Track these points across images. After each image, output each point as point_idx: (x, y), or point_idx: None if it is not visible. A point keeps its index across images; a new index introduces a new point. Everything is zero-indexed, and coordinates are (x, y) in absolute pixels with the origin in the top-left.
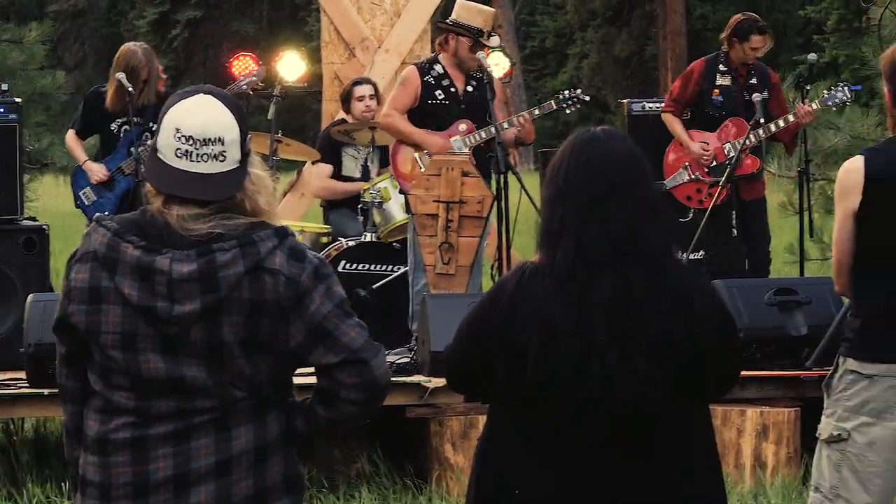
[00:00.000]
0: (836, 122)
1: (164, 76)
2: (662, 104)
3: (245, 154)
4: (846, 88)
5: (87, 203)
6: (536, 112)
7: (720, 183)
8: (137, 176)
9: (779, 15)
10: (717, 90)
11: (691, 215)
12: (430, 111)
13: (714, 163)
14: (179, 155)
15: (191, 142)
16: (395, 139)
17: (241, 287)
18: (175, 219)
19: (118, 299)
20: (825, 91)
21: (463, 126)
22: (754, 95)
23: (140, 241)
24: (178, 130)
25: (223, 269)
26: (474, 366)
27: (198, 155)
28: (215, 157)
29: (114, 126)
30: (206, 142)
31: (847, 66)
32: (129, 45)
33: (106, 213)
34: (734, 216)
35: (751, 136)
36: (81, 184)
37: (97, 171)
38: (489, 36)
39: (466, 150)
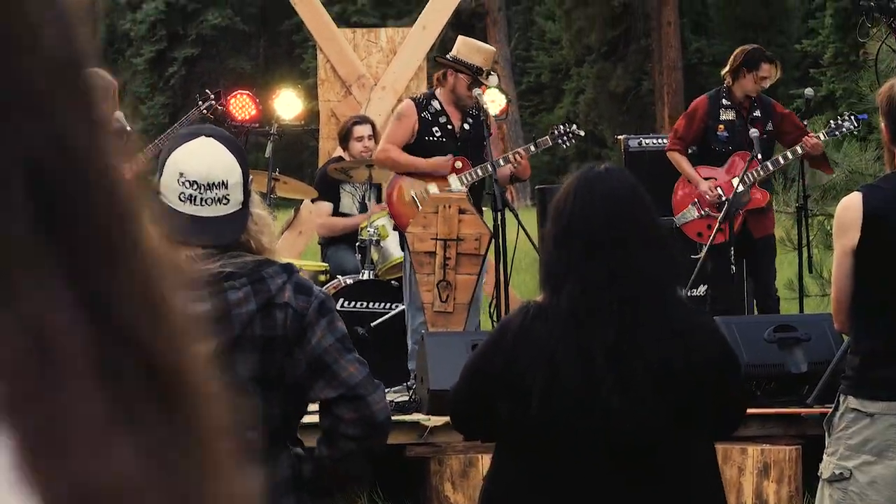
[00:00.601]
0: (834, 157)
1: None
2: (661, 140)
3: (247, 194)
4: (852, 118)
5: None
6: (532, 149)
7: (720, 220)
8: None
9: (775, 49)
10: (721, 126)
11: (703, 252)
12: (426, 148)
13: (723, 198)
14: (183, 199)
15: (195, 186)
16: (395, 172)
17: (253, 324)
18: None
19: None
20: (831, 121)
21: (458, 164)
22: (751, 131)
23: None
24: (181, 175)
25: (236, 307)
26: (478, 407)
27: (202, 199)
28: (219, 200)
29: None
30: (210, 186)
31: (844, 99)
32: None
33: None
34: (732, 252)
35: (758, 170)
36: None
37: None
38: (488, 75)
39: (463, 188)
